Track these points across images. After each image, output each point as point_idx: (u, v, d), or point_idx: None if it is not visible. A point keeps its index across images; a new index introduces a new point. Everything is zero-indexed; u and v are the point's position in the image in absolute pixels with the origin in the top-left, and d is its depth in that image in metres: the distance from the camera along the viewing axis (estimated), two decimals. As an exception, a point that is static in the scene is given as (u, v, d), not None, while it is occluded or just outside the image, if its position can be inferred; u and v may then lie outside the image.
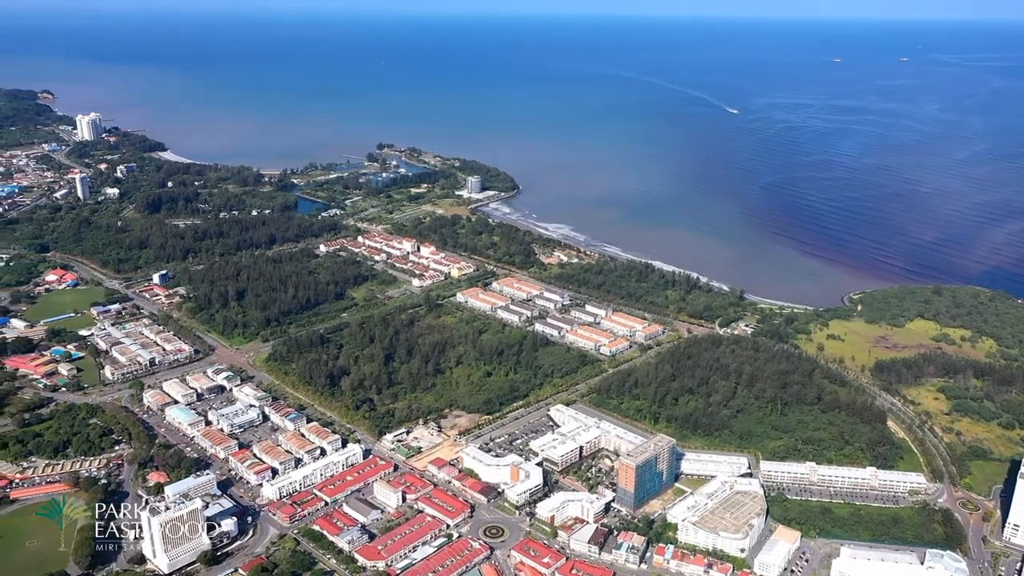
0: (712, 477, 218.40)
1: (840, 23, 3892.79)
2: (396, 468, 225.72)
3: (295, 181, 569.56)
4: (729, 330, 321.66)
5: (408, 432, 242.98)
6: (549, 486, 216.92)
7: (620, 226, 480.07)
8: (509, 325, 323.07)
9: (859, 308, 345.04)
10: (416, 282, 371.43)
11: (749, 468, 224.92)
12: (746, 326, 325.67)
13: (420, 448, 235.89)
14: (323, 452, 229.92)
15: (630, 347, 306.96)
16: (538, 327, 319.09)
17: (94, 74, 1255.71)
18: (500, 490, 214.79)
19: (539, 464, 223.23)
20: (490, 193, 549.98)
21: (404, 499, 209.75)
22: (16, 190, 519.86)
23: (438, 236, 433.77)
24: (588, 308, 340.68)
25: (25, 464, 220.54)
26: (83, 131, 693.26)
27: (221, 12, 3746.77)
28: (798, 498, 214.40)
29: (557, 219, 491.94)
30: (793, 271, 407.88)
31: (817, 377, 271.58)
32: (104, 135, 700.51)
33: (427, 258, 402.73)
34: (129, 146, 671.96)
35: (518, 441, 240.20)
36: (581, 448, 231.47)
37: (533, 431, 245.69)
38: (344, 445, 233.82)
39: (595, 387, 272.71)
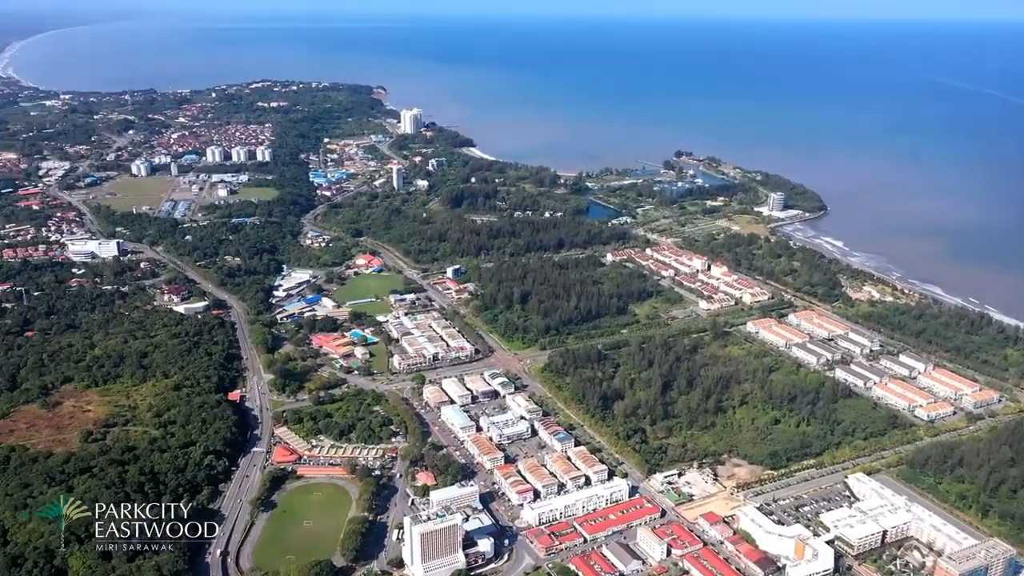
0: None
1: None
2: (663, 514, 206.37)
3: (589, 185, 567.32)
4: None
5: (680, 475, 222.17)
6: (841, 572, 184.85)
7: (947, 262, 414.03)
8: (805, 366, 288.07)
9: None
10: (703, 304, 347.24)
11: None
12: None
13: (692, 496, 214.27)
14: (588, 481, 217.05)
15: (954, 414, 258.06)
16: (839, 373, 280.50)
17: (423, 72, 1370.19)
18: (780, 564, 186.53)
19: (830, 543, 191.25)
20: (793, 212, 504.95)
21: (669, 553, 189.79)
22: (344, 176, 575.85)
23: (731, 255, 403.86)
24: (903, 359, 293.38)
25: (314, 442, 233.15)
26: (406, 125, 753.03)
27: (535, 17, 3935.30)
28: None
29: (870, 248, 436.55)
30: None
31: None
32: (422, 129, 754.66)
33: (717, 279, 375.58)
34: (442, 141, 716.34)
35: (806, 508, 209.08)
36: (885, 532, 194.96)
37: (825, 499, 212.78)
38: (610, 477, 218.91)
39: (906, 458, 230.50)
